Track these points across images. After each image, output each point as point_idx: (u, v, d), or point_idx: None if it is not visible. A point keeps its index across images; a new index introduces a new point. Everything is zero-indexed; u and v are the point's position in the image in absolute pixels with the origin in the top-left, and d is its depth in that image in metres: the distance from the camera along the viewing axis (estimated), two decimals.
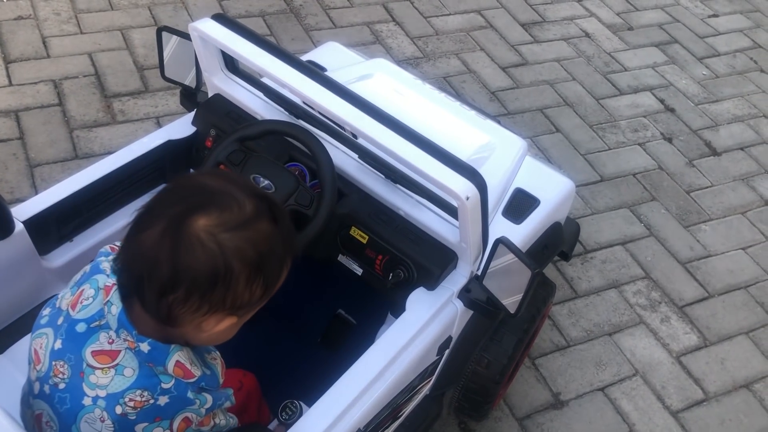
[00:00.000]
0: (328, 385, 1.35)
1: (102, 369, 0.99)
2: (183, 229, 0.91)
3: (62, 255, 1.60)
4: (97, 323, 1.02)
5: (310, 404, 1.35)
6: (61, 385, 1.03)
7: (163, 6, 3.42)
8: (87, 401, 1.00)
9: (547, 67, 3.58)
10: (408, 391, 1.54)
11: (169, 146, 1.71)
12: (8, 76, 2.91)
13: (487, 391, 1.80)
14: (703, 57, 3.86)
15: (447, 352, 1.64)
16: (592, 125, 3.31)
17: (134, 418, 0.98)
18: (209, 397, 1.04)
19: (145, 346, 0.98)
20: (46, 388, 1.05)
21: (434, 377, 1.69)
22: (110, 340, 1.01)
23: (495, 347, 1.74)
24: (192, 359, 1.02)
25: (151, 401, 0.99)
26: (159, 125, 2.82)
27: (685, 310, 2.62)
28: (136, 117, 2.86)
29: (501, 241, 1.38)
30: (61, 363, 1.03)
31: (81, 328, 1.03)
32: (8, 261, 1.46)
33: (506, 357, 1.74)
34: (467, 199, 1.30)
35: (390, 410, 1.49)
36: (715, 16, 4.21)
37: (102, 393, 0.99)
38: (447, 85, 3.34)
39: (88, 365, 1.00)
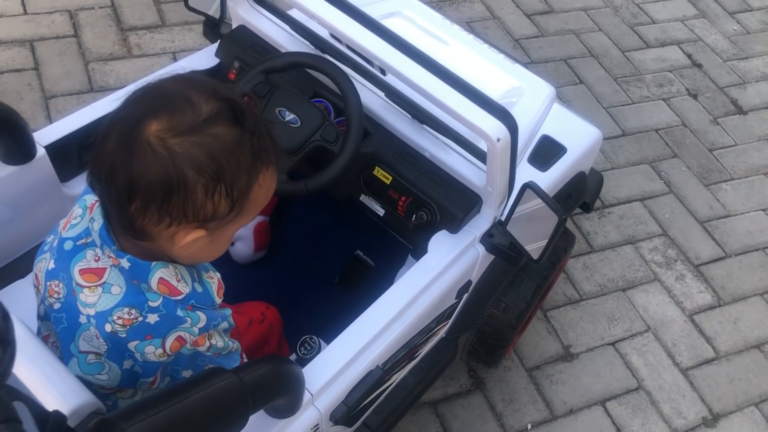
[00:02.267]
0: (347, 324, 1.34)
1: (89, 287, 0.99)
2: (134, 135, 0.88)
3: (83, 183, 1.57)
4: (83, 241, 1.02)
5: (328, 341, 1.34)
6: (57, 305, 1.03)
7: None
8: (83, 319, 1.00)
9: (573, 16, 3.48)
10: (425, 332, 1.54)
11: None
12: (23, 4, 2.85)
13: (503, 335, 1.80)
14: (735, 11, 3.75)
15: (465, 296, 1.63)
16: (616, 78, 3.24)
17: (124, 336, 0.98)
18: (202, 316, 1.01)
19: (125, 262, 0.97)
20: (44, 309, 1.07)
21: (451, 320, 1.69)
22: (96, 258, 1.00)
23: (514, 292, 1.74)
24: (180, 275, 0.99)
25: (140, 318, 0.97)
26: (175, 60, 2.77)
27: (700, 268, 2.61)
28: (152, 51, 2.80)
29: (529, 186, 1.36)
30: (56, 282, 1.03)
31: (68, 245, 1.02)
32: (29, 186, 1.45)
33: (524, 302, 1.74)
34: (498, 140, 1.27)
35: (407, 350, 1.49)
36: None
37: (91, 311, 0.98)
38: (470, 30, 3.25)
39: (77, 284, 1.00)
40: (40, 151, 1.44)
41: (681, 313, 2.46)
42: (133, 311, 0.97)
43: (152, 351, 0.99)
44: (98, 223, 0.98)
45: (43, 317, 1.09)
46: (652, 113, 3.13)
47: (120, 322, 0.97)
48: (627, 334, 2.37)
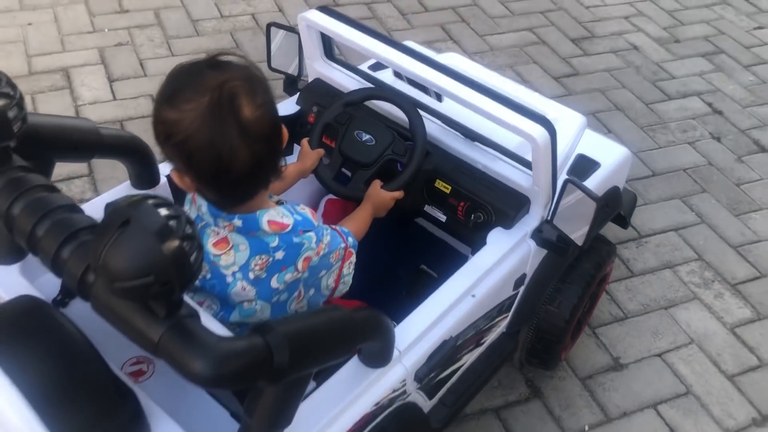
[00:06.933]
0: None
1: (224, 253, 1.26)
2: (237, 126, 1.14)
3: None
4: (200, 225, 1.28)
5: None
6: (208, 276, 1.30)
7: (243, 32, 3.81)
8: (229, 279, 1.27)
9: (598, 76, 3.82)
10: (488, 318, 1.77)
11: None
12: (112, 92, 3.31)
13: (559, 330, 2.01)
14: (749, 65, 4.05)
15: (522, 288, 1.86)
16: (642, 127, 3.52)
17: (265, 276, 1.25)
18: (312, 235, 1.30)
19: (237, 221, 1.24)
20: (198, 282, 1.32)
21: (511, 313, 1.92)
22: (216, 233, 1.27)
23: (566, 288, 1.97)
24: (282, 212, 1.26)
25: (271, 259, 1.25)
26: None
27: (738, 287, 2.78)
28: None
29: (569, 180, 1.62)
30: None
31: None
32: None
33: (576, 297, 1.96)
34: (540, 141, 1.55)
35: (474, 332, 1.72)
36: (761, 28, 4.39)
37: (235, 269, 1.26)
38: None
39: (215, 255, 1.26)
40: (162, 179, 1.77)
41: (722, 326, 2.62)
42: (263, 256, 1.25)
43: (290, 275, 1.27)
44: (204, 206, 1.26)
45: (196, 289, 1.34)
46: (679, 155, 3.38)
47: (257, 268, 1.25)
48: (672, 346, 2.53)
